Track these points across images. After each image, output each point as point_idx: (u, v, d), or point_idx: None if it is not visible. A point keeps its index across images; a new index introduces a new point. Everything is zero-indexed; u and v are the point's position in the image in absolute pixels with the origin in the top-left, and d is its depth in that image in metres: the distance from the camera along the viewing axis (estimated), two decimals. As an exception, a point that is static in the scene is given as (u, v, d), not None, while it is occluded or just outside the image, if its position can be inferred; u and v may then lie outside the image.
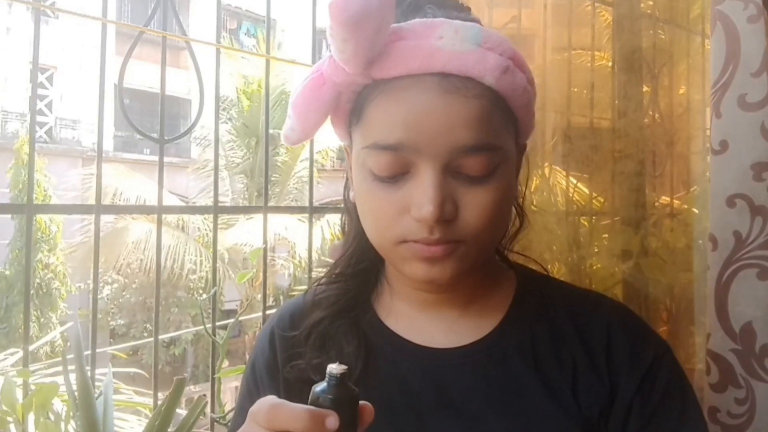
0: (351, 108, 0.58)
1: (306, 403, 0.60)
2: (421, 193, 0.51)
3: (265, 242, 1.32)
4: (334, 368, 0.44)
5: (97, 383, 1.04)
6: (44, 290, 7.97)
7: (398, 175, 0.53)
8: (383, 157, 0.53)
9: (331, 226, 8.22)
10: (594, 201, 1.30)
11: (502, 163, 0.54)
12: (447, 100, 0.51)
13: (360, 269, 0.66)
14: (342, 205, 0.69)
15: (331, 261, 0.70)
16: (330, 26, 0.49)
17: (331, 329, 0.62)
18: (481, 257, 0.57)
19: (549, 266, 1.09)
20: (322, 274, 0.69)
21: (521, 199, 0.68)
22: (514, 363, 0.59)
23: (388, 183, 0.54)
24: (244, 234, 7.65)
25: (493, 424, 0.57)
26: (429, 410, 0.58)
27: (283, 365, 0.63)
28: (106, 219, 7.77)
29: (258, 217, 1.52)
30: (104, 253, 7.73)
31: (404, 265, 0.56)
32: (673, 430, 0.57)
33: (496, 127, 0.54)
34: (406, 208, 0.53)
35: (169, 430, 0.94)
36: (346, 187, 0.67)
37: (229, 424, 0.68)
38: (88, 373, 0.97)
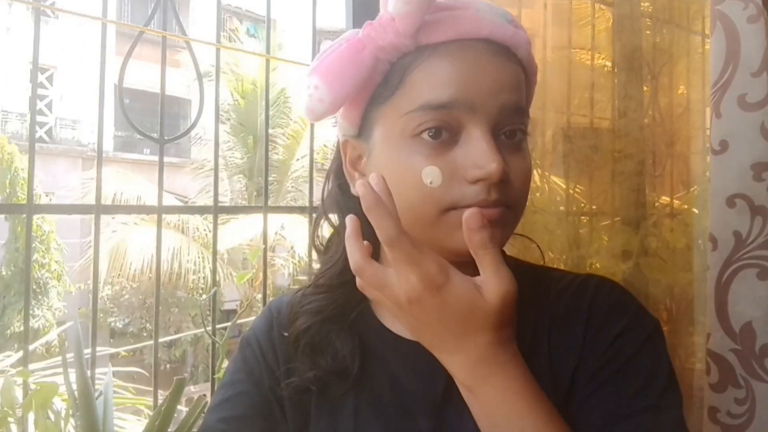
0: (381, 80, 0.56)
1: (306, 414, 0.61)
2: (481, 153, 0.52)
3: (265, 242, 1.32)
4: None
5: (97, 383, 1.04)
6: (41, 289, 7.95)
7: (446, 138, 0.53)
8: (435, 117, 0.53)
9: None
10: (594, 201, 1.30)
11: (526, 136, 0.57)
12: (496, 62, 0.54)
13: (347, 279, 0.62)
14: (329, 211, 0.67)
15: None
16: None
17: (321, 335, 0.61)
18: (514, 229, 0.58)
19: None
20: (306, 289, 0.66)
21: None
22: None
23: (434, 149, 0.53)
24: (239, 231, 7.63)
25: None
26: (417, 405, 0.58)
27: (283, 377, 0.62)
28: (108, 230, 7.77)
29: (253, 215, 1.53)
30: (110, 264, 7.75)
31: (452, 234, 0.53)
32: (633, 395, 0.54)
33: (525, 98, 0.57)
34: (458, 173, 0.52)
35: (169, 430, 0.94)
36: (333, 190, 0.65)
37: (215, 396, 0.66)
38: (88, 373, 0.97)
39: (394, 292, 0.47)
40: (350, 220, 0.49)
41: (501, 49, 0.55)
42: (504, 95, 0.53)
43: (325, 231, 0.69)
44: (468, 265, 0.54)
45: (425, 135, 0.53)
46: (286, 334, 0.63)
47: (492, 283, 0.47)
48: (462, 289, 0.47)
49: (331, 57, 0.56)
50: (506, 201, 0.53)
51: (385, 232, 0.46)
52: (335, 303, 0.63)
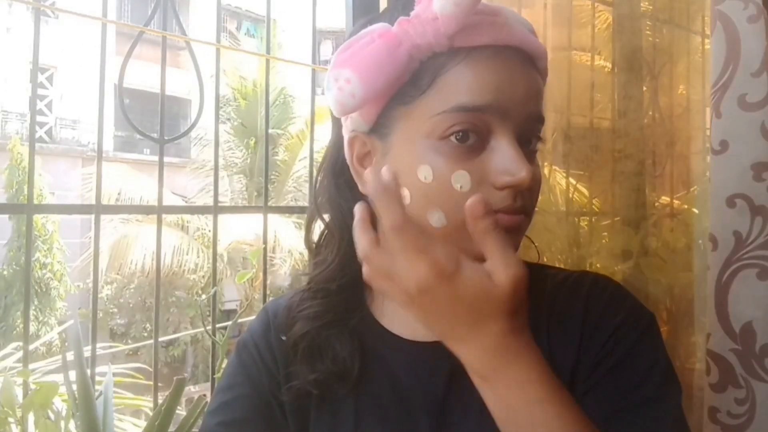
0: (409, 79, 0.55)
1: (306, 417, 0.61)
2: (511, 160, 0.52)
3: (265, 242, 1.32)
4: None
5: (96, 384, 1.04)
6: (42, 290, 7.94)
7: (474, 142, 0.53)
8: (467, 120, 0.52)
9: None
10: (594, 201, 1.30)
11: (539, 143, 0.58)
12: (527, 71, 0.55)
13: (344, 283, 0.62)
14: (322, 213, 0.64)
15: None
16: None
17: (320, 338, 0.61)
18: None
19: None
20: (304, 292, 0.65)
21: None
22: None
23: (462, 152, 0.53)
24: (239, 229, 7.63)
25: (480, 415, 0.56)
26: (418, 405, 0.58)
27: (283, 381, 0.62)
28: (110, 227, 7.77)
29: (251, 214, 1.53)
30: (111, 261, 7.73)
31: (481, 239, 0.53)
32: (628, 389, 0.55)
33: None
34: (487, 178, 0.52)
35: (169, 430, 0.94)
36: (329, 189, 0.64)
37: (213, 400, 0.65)
38: (88, 373, 0.97)
39: (403, 281, 0.46)
40: (359, 207, 0.49)
41: (528, 57, 0.56)
42: (531, 104, 0.55)
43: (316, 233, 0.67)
44: None
45: (453, 138, 0.52)
46: (284, 337, 0.63)
47: (501, 269, 0.46)
48: (473, 276, 0.46)
49: (366, 50, 0.53)
50: (526, 208, 0.54)
51: (392, 218, 0.45)
52: (335, 310, 0.62)
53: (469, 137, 0.52)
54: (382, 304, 0.63)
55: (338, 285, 0.62)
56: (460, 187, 0.52)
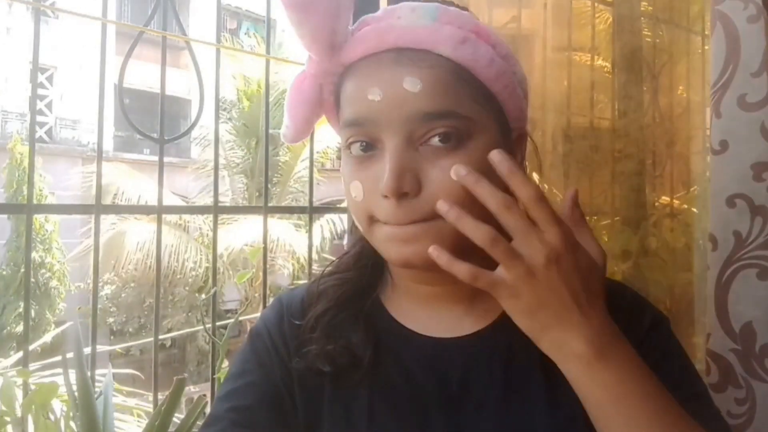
0: (333, 100, 0.60)
1: (318, 407, 0.61)
2: (384, 167, 0.52)
3: (264, 242, 1.32)
4: None
5: (96, 383, 1.04)
6: (41, 290, 7.93)
7: (369, 151, 0.55)
8: (356, 132, 0.55)
9: (331, 225, 8.25)
10: (594, 201, 1.30)
11: (473, 135, 0.53)
12: (408, 69, 0.53)
13: (364, 265, 0.65)
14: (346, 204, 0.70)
15: (332, 258, 0.70)
16: (284, 12, 0.53)
17: (337, 320, 0.62)
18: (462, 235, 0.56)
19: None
20: (325, 270, 0.69)
21: None
22: (516, 350, 0.58)
23: (362, 162, 0.55)
24: (240, 234, 7.64)
25: (494, 413, 0.56)
26: (431, 400, 0.58)
27: (293, 354, 0.62)
28: (106, 223, 7.76)
29: (252, 218, 1.53)
30: (105, 257, 7.72)
31: (380, 248, 0.56)
32: (674, 387, 0.54)
33: (459, 97, 0.54)
34: (376, 187, 0.53)
35: (169, 430, 0.94)
36: None
37: (222, 387, 0.65)
38: (88, 373, 0.97)
39: (533, 256, 0.47)
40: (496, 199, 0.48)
41: (411, 55, 0.53)
42: (411, 104, 0.52)
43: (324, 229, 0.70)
44: (445, 296, 0.60)
45: (355, 148, 0.55)
46: (297, 322, 0.63)
47: (597, 248, 0.51)
48: (584, 251, 0.49)
49: (289, 89, 0.60)
50: (423, 215, 0.52)
51: (532, 191, 0.48)
52: (354, 287, 0.64)
53: (371, 147, 0.54)
54: (392, 297, 0.64)
55: (358, 266, 0.66)
56: (355, 197, 0.55)
